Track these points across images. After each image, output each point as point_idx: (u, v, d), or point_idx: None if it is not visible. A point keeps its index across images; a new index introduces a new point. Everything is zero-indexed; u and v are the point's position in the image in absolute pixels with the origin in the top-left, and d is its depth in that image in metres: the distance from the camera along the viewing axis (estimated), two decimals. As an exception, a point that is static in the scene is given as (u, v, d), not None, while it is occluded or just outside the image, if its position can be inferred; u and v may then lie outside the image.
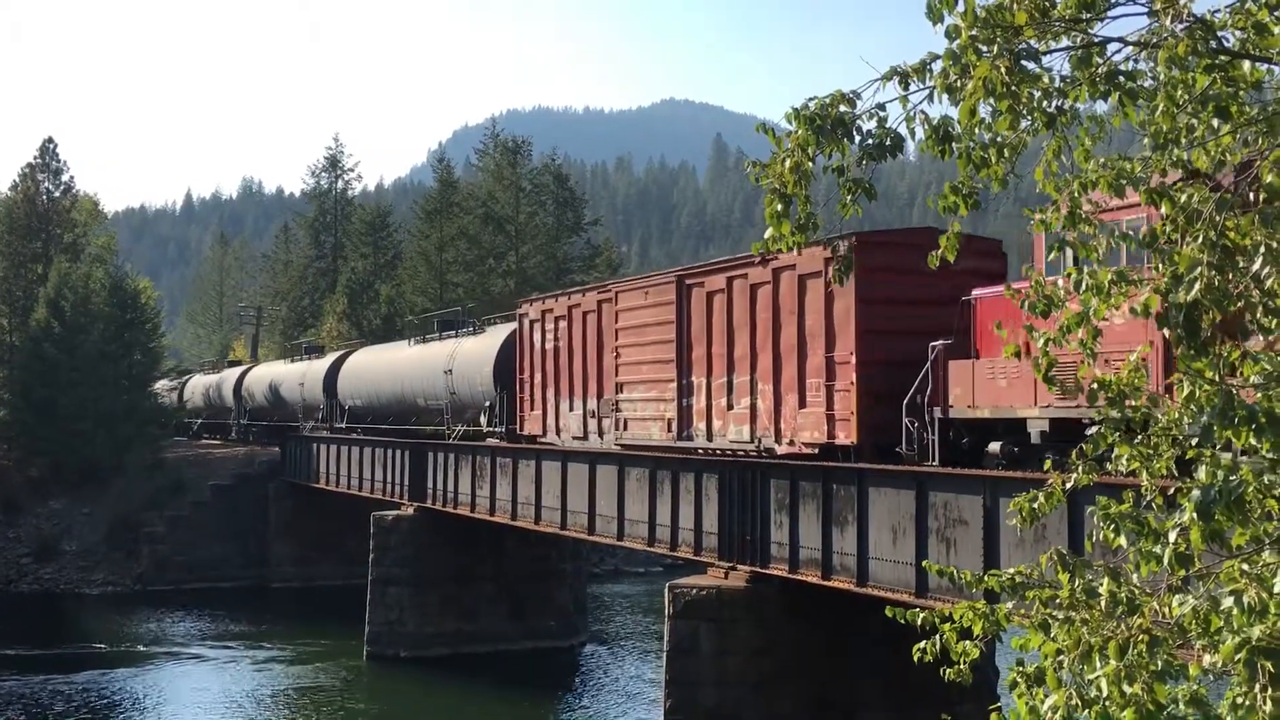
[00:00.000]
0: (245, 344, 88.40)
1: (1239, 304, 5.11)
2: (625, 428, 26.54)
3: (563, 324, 29.84)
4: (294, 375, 55.07)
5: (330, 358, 51.55)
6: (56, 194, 66.71)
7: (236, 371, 67.70)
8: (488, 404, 34.74)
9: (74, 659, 36.66)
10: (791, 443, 21.41)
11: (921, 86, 5.50)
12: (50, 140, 67.12)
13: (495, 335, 35.93)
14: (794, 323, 21.53)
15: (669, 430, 24.84)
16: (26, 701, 31.77)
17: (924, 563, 16.58)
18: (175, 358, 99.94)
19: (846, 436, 20.00)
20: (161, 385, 73.82)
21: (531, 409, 31.22)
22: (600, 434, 27.74)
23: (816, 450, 20.69)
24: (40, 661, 36.34)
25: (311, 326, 78.40)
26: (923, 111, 5.54)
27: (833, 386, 20.42)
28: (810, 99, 5.60)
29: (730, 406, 23.28)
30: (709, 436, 23.76)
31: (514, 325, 34.13)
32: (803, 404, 21.22)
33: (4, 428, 56.83)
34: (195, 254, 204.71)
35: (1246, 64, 5.44)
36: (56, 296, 57.02)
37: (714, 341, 23.81)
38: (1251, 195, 5.32)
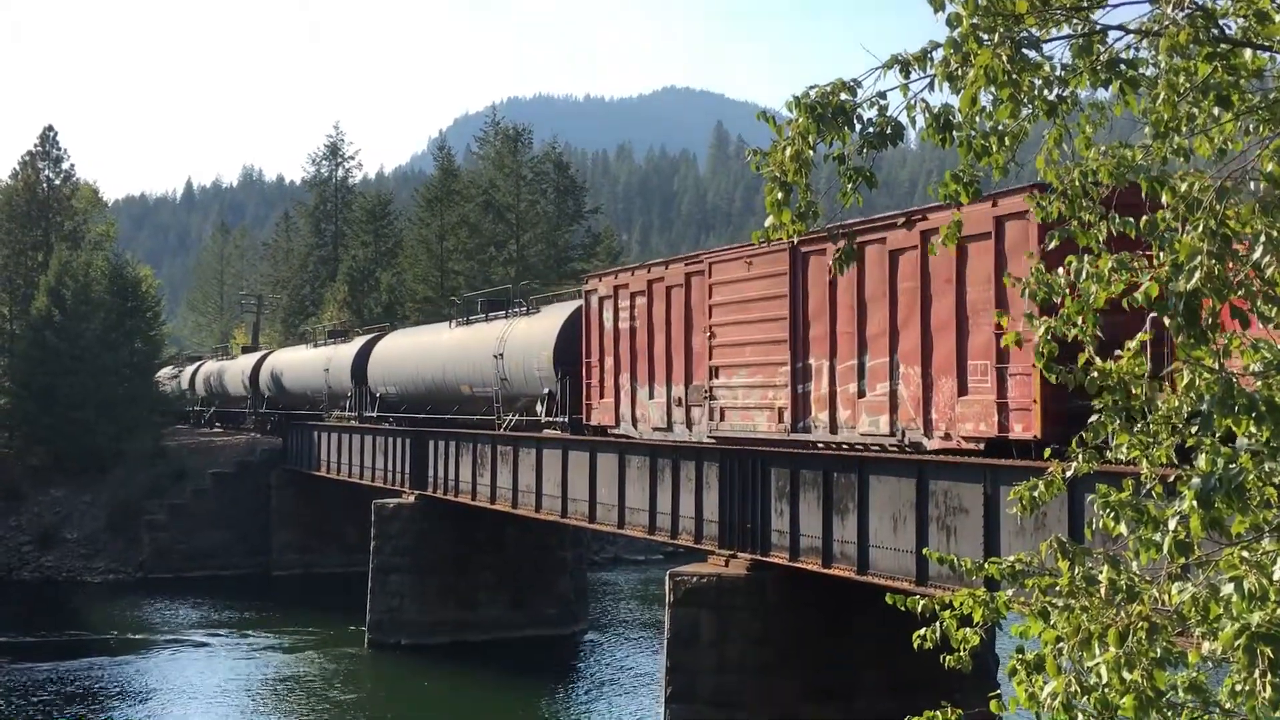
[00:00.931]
0: (246, 332, 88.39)
1: (1239, 292, 5.12)
2: (722, 418, 22.81)
3: (640, 300, 25.92)
4: (317, 361, 51.03)
5: (359, 342, 47.64)
6: (57, 182, 66.68)
7: (253, 358, 63.82)
8: (546, 391, 31.03)
9: (76, 646, 36.76)
10: (947, 436, 17.96)
11: (922, 74, 5.49)
12: (50, 128, 67.07)
13: (554, 315, 32.10)
14: (951, 294, 17.90)
15: (779, 420, 21.22)
16: (28, 689, 31.86)
17: (924, 550, 16.62)
18: (176, 346, 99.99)
19: (1025, 429, 16.42)
20: (167, 373, 73.65)
21: (601, 397, 27.41)
22: (689, 424, 23.89)
23: (982, 445, 17.31)
24: (42, 649, 36.44)
25: (312, 315, 78.41)
26: (923, 99, 5.53)
27: (1006, 370, 16.86)
28: (811, 87, 5.59)
29: (862, 394, 19.62)
30: (832, 428, 20.02)
31: (577, 304, 30.80)
32: (963, 391, 17.65)
33: (5, 416, 56.88)
34: (196, 242, 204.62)
35: (1248, 52, 5.43)
36: (57, 284, 57.02)
37: (839, 318, 20.13)
38: (1251, 185, 5.32)
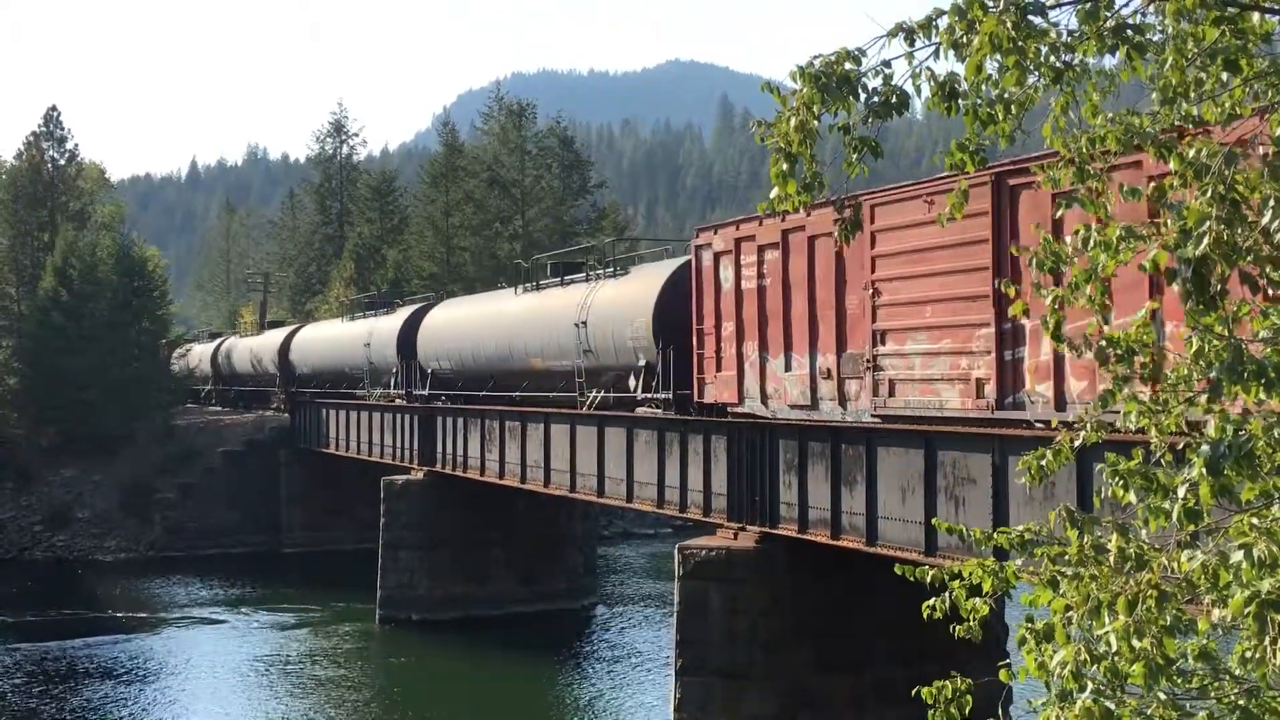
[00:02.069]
0: (253, 311, 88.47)
1: (1248, 258, 5.09)
2: (891, 392, 18.69)
3: (772, 255, 21.48)
4: (356, 335, 46.91)
5: (405, 312, 43.54)
6: (62, 162, 66.67)
7: (281, 333, 59.77)
8: (643, 364, 26.72)
9: (88, 625, 36.96)
10: None
11: (927, 43, 5.45)
12: (54, 108, 67.01)
13: (651, 276, 27.77)
14: None
15: (978, 395, 17.07)
16: (42, 667, 32.05)
17: (933, 521, 16.61)
18: (183, 325, 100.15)
19: None
20: (185, 351, 73.04)
21: (718, 369, 23.05)
22: (843, 401, 19.68)
23: None
24: (55, 628, 36.65)
25: (319, 292, 78.45)
26: (929, 68, 5.49)
27: None
28: (815, 57, 5.55)
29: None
30: (1058, 403, 15.67)
31: (679, 262, 26.91)
32: None
33: (14, 396, 57.06)
34: (201, 221, 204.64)
35: (1256, 16, 5.38)
36: (64, 265, 57.09)
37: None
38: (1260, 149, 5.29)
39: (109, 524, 51.43)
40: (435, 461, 37.32)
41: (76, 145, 68.17)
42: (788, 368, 21.07)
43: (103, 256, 58.86)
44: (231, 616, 38.99)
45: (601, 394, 28.99)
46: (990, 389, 16.87)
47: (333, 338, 51.01)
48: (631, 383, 27.33)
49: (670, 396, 25.16)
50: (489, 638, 34.52)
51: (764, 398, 21.75)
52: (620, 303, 28.10)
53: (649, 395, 26.30)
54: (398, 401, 41.30)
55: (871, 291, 19.11)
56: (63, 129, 66.72)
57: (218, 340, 73.35)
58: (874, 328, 18.98)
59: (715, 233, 23.67)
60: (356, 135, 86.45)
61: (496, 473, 33.11)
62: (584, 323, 29.13)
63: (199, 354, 74.04)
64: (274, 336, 60.49)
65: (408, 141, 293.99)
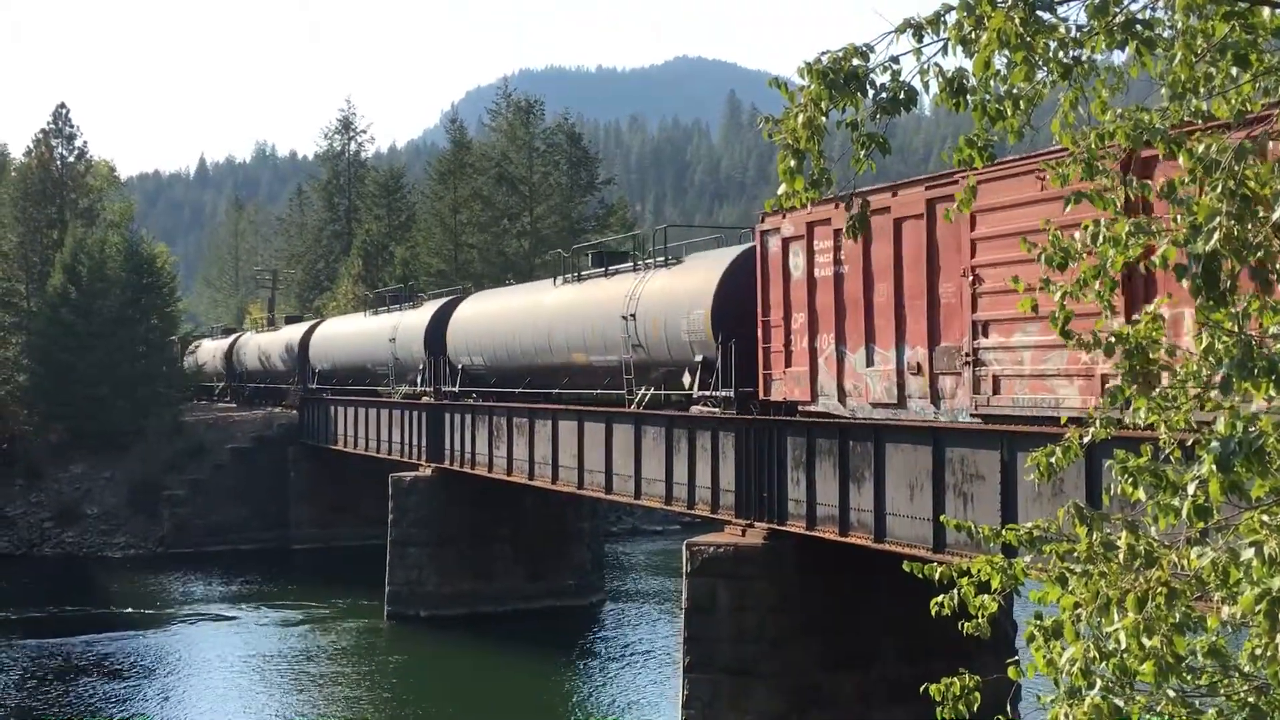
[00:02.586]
0: (261, 307, 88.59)
1: (1259, 254, 5.07)
2: (995, 389, 17.04)
3: (849, 242, 19.72)
4: (380, 330, 45.16)
5: (432, 306, 42.01)
6: (70, 159, 66.78)
7: (300, 328, 58.31)
8: (699, 359, 24.93)
9: (98, 621, 37.07)
10: None
11: (935, 39, 5.44)
12: (63, 106, 67.08)
13: (708, 265, 25.93)
14: None
15: (1100, 392, 14.95)
16: (51, 663, 32.15)
17: (941, 517, 16.61)
18: (192, 322, 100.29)
19: None
20: (194, 347, 72.81)
21: (787, 365, 21.38)
22: (935, 399, 18.15)
23: None
24: (64, 624, 36.75)
25: (327, 289, 78.53)
26: (937, 64, 5.48)
27: None
28: (823, 53, 5.54)
29: None
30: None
31: (739, 250, 25.19)
32: None
33: (23, 393, 57.19)
34: (210, 218, 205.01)
35: (1266, 11, 5.36)
36: (73, 262, 57.20)
37: None
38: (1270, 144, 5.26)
39: (118, 520, 51.56)
40: (443, 458, 37.36)
41: (85, 143, 68.30)
42: (869, 362, 19.39)
43: (111, 254, 58.96)
44: (240, 613, 39.07)
45: (651, 391, 27.18)
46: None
47: (354, 333, 49.46)
48: (686, 380, 25.53)
49: (731, 394, 23.26)
50: (496, 634, 34.56)
51: (841, 395, 20.06)
52: (674, 294, 26.31)
53: (706, 393, 24.39)
54: (425, 399, 39.38)
55: (972, 278, 17.39)
56: (72, 126, 66.84)
57: (232, 336, 72.27)
58: (974, 318, 17.13)
59: (784, 216, 21.40)
60: (365, 132, 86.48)
61: (504, 469, 33.14)
62: (632, 315, 27.29)
63: (209, 350, 73.94)
64: (292, 332, 59.00)
65: (416, 138, 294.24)
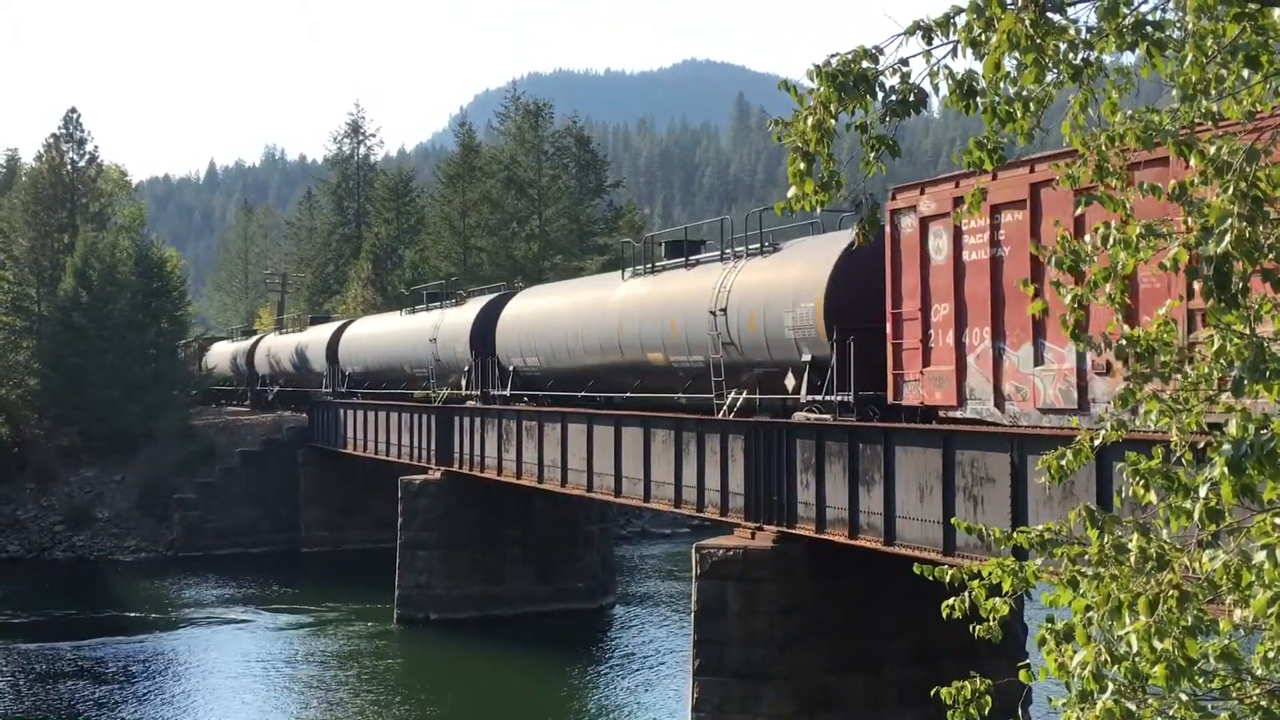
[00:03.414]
0: (271, 311, 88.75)
1: (1270, 255, 5.05)
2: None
3: (1013, 216, 17.08)
4: (419, 330, 42.60)
5: (478, 303, 39.26)
6: (81, 164, 67.01)
7: (329, 328, 55.41)
8: (806, 359, 21.90)
9: (109, 625, 37.14)
10: None
11: (945, 41, 5.43)
12: (74, 110, 67.34)
13: (818, 252, 22.65)
14: None
15: None
16: (62, 666, 32.22)
17: (952, 520, 16.51)
18: (201, 325, 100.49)
19: None
20: (219, 351, 72.33)
21: (925, 364, 18.79)
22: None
23: None
24: (75, 627, 36.83)
25: (336, 293, 78.66)
26: (946, 66, 5.47)
27: None
28: (832, 55, 5.54)
29: None
30: None
31: (849, 236, 21.67)
32: None
33: (34, 397, 57.39)
34: (220, 222, 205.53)
35: (1277, 12, 5.34)
36: (84, 266, 57.39)
37: None
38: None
39: (128, 524, 51.67)
40: (452, 461, 37.38)
41: (96, 147, 68.69)
42: (1038, 360, 16.82)
43: (122, 258, 59.16)
44: (250, 616, 39.12)
45: (744, 395, 23.91)
46: None
47: (389, 333, 46.64)
48: (789, 382, 22.62)
49: (850, 398, 20.40)
50: (506, 637, 34.57)
51: (999, 399, 17.46)
52: (775, 285, 23.16)
53: (815, 397, 21.48)
54: (471, 403, 36.76)
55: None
56: (82, 131, 67.08)
57: (253, 338, 69.97)
58: (1191, 306, 13.67)
59: (922, 192, 19.08)
60: (374, 136, 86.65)
61: (514, 472, 33.14)
62: (722, 310, 24.22)
63: (226, 353, 73.10)
64: (319, 333, 56.46)
65: (425, 142, 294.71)
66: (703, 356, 25.38)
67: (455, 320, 39.75)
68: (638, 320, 28.08)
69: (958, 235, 18.16)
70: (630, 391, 29.24)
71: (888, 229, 19.46)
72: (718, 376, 24.52)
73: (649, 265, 29.45)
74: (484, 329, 37.04)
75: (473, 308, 39.17)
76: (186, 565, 48.32)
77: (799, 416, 21.74)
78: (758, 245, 25.00)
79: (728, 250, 26.29)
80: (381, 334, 47.82)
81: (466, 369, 37.91)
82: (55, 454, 54.47)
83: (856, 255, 20.54)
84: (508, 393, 34.74)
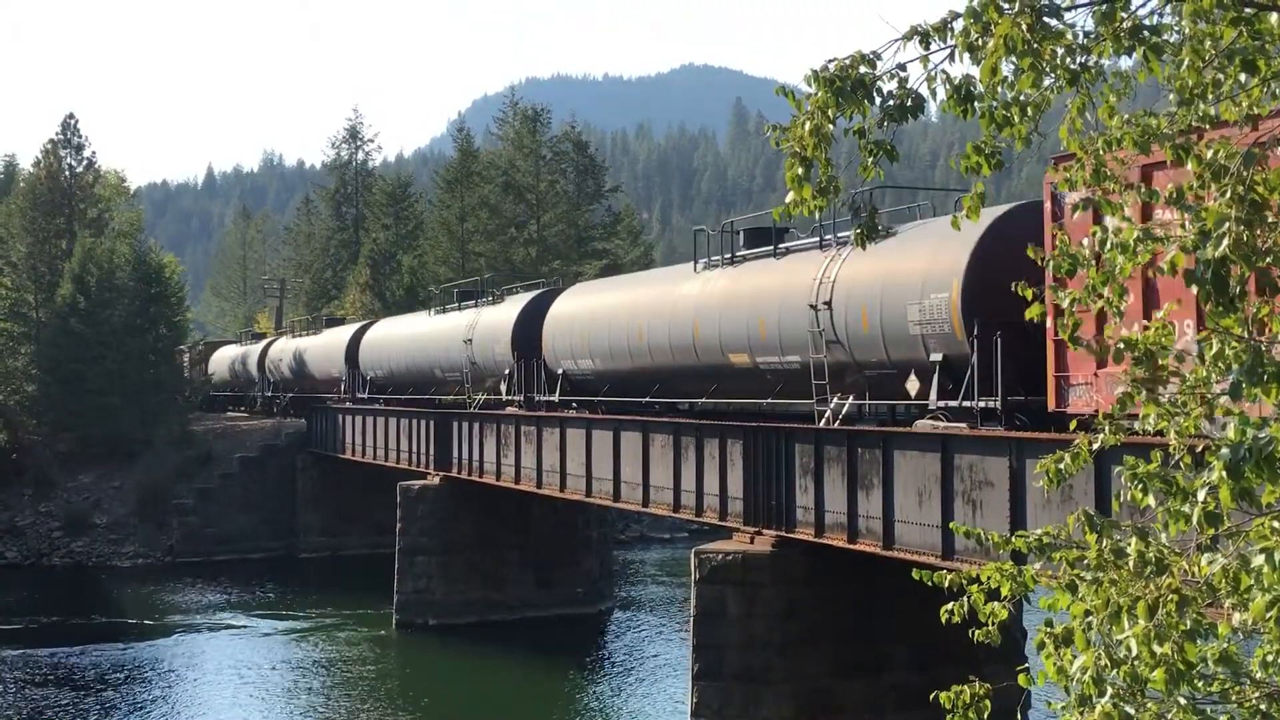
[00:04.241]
0: (269, 316, 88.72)
1: (1268, 259, 5.06)
2: None
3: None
4: (451, 331, 39.74)
5: (519, 301, 36.36)
6: (79, 169, 67.02)
7: (346, 331, 52.34)
8: (936, 358, 19.15)
9: (107, 631, 37.10)
10: None
11: (942, 46, 5.44)
12: (71, 116, 67.35)
13: (947, 236, 19.32)
14: None
15: None
16: (60, 672, 32.17)
17: (950, 524, 16.49)
18: (200, 331, 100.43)
19: None
20: (225, 355, 71.54)
21: (1100, 364, 15.17)
22: None
23: None
24: (74, 633, 36.78)
25: (335, 298, 78.65)
26: (944, 71, 5.48)
27: None
28: (830, 60, 5.55)
29: None
30: None
31: (998, 212, 19.01)
32: None
33: (32, 403, 57.37)
34: (218, 228, 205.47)
35: (1274, 16, 5.35)
36: (81, 272, 57.39)
37: None
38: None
39: (127, 530, 51.63)
40: (451, 466, 37.36)
41: (94, 153, 68.56)
42: None
43: (120, 263, 59.17)
44: (248, 622, 39.08)
45: (849, 400, 21.06)
46: None
47: (416, 334, 43.49)
48: (911, 386, 19.65)
49: (997, 404, 17.84)
50: (505, 643, 34.53)
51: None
52: (895, 275, 20.26)
53: (949, 403, 18.83)
54: (511, 409, 33.94)
55: None
56: (80, 137, 67.11)
57: (263, 342, 67.30)
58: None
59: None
60: (372, 141, 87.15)
61: (512, 477, 33.12)
62: (825, 304, 21.22)
63: (225, 358, 72.18)
64: (337, 335, 53.31)
65: (423, 147, 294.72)
66: (799, 357, 22.24)
67: (494, 319, 36.74)
68: (717, 317, 24.98)
69: (1148, 212, 14.10)
70: (706, 397, 26.20)
71: (1047, 206, 16.43)
72: (820, 380, 21.33)
73: (728, 255, 26.04)
74: (528, 329, 34.30)
75: (514, 306, 36.33)
76: (185, 571, 48.27)
77: (922, 426, 18.99)
78: (871, 229, 20.69)
79: (828, 236, 22.83)
80: (408, 335, 44.63)
81: (507, 372, 35.02)
82: (53, 460, 54.43)
83: (1003, 236, 17.91)
84: (555, 398, 31.70)
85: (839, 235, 22.30)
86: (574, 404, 31.56)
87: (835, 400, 21.22)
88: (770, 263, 24.69)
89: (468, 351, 37.73)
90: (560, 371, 31.96)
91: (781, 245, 24.93)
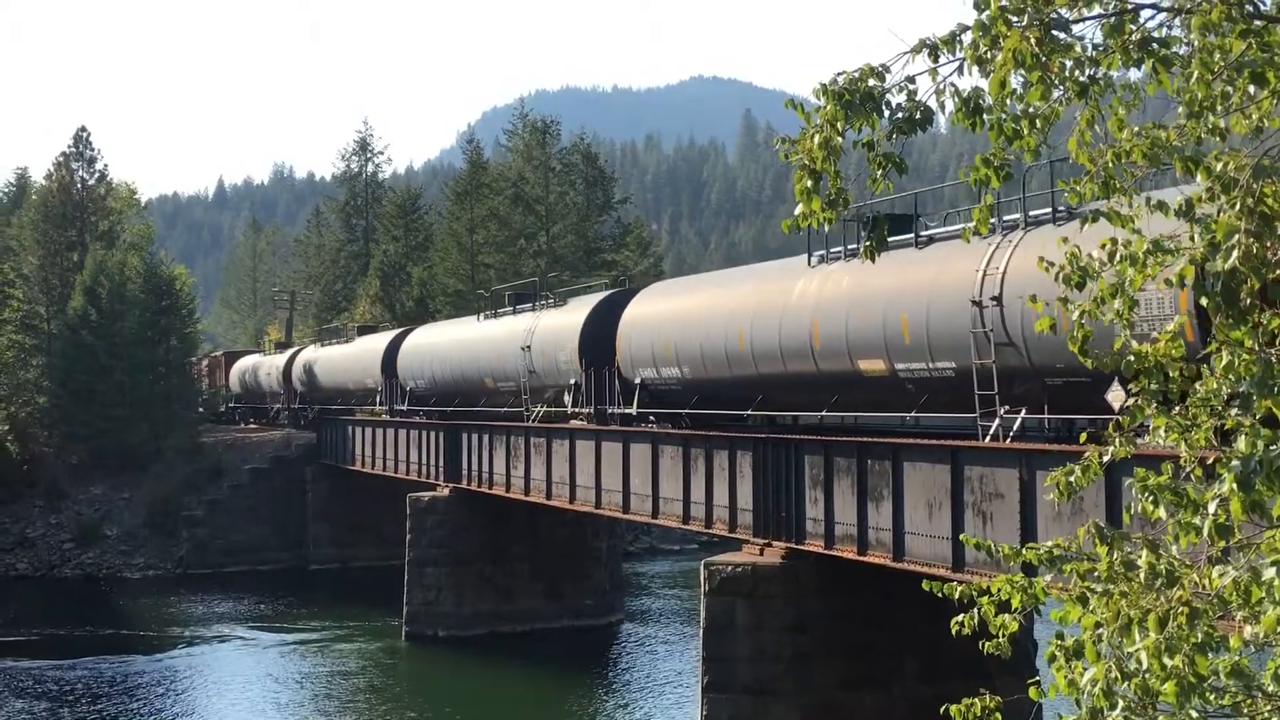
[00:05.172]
0: (279, 328, 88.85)
1: (1277, 271, 5.05)
2: None
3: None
4: (506, 337, 36.11)
5: (587, 303, 32.63)
6: (91, 182, 67.26)
7: (383, 339, 48.62)
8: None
9: (117, 642, 37.13)
10: None
11: (951, 58, 5.44)
12: (83, 129, 67.62)
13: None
14: None
15: None
16: (71, 683, 32.19)
17: (961, 536, 16.55)
18: (210, 343, 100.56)
19: None
20: (247, 363, 70.78)
21: None
22: None
23: None
24: (84, 644, 36.83)
25: (345, 310, 78.75)
26: (953, 84, 5.48)
27: None
28: (839, 73, 5.55)
29: None
30: None
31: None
32: None
33: (44, 415, 57.53)
34: (228, 240, 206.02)
35: (1282, 28, 5.35)
36: (93, 284, 57.59)
37: None
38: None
39: (137, 541, 51.72)
40: (460, 478, 37.37)
41: (106, 165, 68.81)
42: None
43: (131, 275, 59.37)
44: (257, 633, 39.09)
45: (1023, 412, 17.42)
46: None
47: (464, 341, 40.03)
48: (1115, 397, 15.43)
49: None
50: (514, 654, 34.50)
51: None
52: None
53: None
54: (576, 423, 30.82)
55: None
56: (92, 149, 67.37)
57: (288, 351, 64.52)
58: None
59: None
60: (381, 153, 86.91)
61: (522, 489, 33.12)
62: (995, 299, 17.69)
63: (247, 368, 69.99)
64: (372, 343, 49.69)
65: (433, 159, 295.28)
66: (953, 363, 18.73)
67: (557, 324, 33.12)
68: (844, 318, 20.85)
69: None
70: (827, 410, 22.12)
71: None
72: (985, 389, 17.90)
73: (852, 246, 21.77)
74: (598, 334, 30.35)
75: (580, 309, 32.56)
76: (195, 582, 48.32)
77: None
78: (1047, 210, 18.27)
79: (992, 220, 18.38)
80: (455, 342, 40.98)
81: (573, 382, 31.33)
82: (64, 471, 54.56)
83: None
84: (633, 410, 27.94)
85: (1004, 219, 18.71)
86: (652, 417, 27.89)
87: (1003, 413, 17.80)
88: (910, 253, 20.33)
89: (525, 360, 34.04)
90: (639, 381, 27.91)
91: (924, 234, 20.78)
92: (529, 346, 33.88)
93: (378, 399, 46.61)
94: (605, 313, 30.91)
